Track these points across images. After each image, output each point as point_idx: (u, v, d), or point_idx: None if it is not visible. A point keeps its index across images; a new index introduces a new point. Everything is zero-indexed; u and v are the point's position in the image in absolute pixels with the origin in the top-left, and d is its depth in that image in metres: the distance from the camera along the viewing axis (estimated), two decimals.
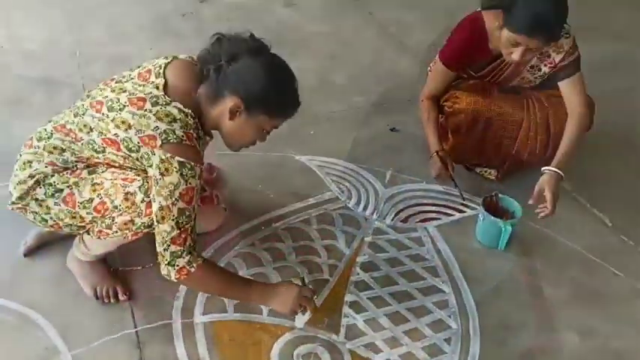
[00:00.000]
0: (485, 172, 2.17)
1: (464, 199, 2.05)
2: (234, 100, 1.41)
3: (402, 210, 2.01)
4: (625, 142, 2.42)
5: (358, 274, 1.77)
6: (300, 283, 1.55)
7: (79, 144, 1.47)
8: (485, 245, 1.89)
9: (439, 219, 1.99)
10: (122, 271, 1.71)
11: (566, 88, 1.96)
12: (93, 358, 1.49)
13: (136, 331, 1.56)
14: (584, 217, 1.95)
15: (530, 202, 1.84)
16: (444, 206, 2.04)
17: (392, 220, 1.97)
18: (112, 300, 1.62)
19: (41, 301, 1.61)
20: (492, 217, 1.83)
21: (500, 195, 1.92)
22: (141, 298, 1.65)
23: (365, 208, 2.01)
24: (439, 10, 3.29)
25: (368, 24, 3.25)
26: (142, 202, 1.42)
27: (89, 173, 1.49)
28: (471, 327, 1.64)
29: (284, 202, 2.00)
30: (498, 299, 1.73)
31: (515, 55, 1.83)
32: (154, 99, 1.38)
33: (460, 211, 2.02)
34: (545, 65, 1.96)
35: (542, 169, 1.87)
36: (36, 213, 1.53)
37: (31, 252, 1.74)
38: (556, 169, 1.84)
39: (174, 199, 1.36)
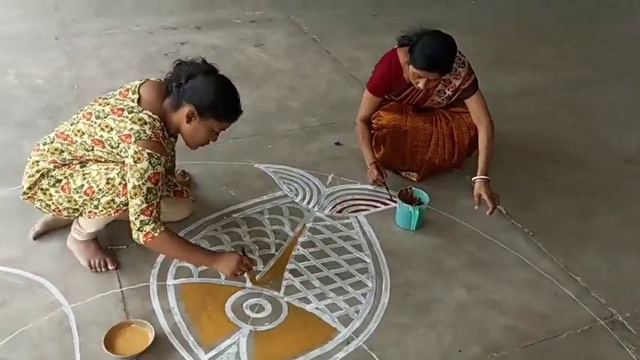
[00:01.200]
0: (409, 174, 2.66)
1: (392, 198, 2.52)
2: (189, 107, 1.90)
3: (338, 203, 2.49)
4: (525, 153, 2.93)
5: (299, 249, 2.23)
6: (241, 253, 2.00)
7: (74, 145, 1.95)
8: (402, 228, 2.36)
9: (368, 210, 2.47)
10: (111, 249, 2.16)
11: (472, 104, 2.47)
12: (88, 309, 1.93)
13: (121, 291, 2.01)
14: (484, 208, 2.41)
15: (475, 207, 2.30)
16: (373, 201, 2.52)
17: (330, 211, 2.45)
18: (102, 269, 2.06)
19: (47, 271, 2.06)
20: (404, 204, 2.31)
21: (413, 188, 2.42)
22: (125, 267, 2.09)
23: (309, 202, 2.49)
24: (386, 49, 3.85)
25: (325, 60, 3.81)
26: (119, 184, 1.88)
27: (81, 167, 1.96)
28: (383, 285, 2.10)
29: (243, 199, 2.47)
30: (408, 267, 2.19)
31: (421, 84, 2.34)
32: (130, 108, 1.88)
33: (385, 204, 2.50)
34: (449, 89, 2.47)
35: (472, 179, 2.35)
36: (41, 200, 1.99)
37: (38, 236, 2.18)
38: (482, 176, 2.32)
39: (144, 180, 1.82)
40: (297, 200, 2.49)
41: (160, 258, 2.13)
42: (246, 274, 2.01)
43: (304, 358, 1.81)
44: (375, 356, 1.83)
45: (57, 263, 2.10)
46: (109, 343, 1.78)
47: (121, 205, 1.92)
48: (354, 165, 2.72)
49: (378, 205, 2.50)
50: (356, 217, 2.43)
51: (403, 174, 2.68)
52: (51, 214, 2.06)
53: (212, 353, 1.81)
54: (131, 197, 1.84)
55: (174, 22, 4.21)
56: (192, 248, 2.00)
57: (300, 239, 2.28)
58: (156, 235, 1.85)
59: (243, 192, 2.52)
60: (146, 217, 1.84)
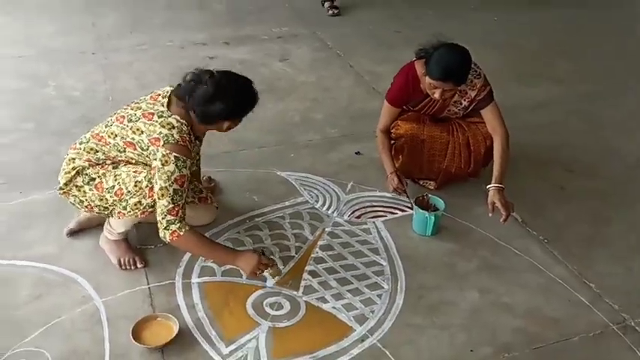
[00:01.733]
0: (427, 183, 2.74)
1: (412, 207, 2.59)
2: (226, 123, 2.06)
3: (357, 209, 2.58)
4: (540, 162, 2.98)
5: (317, 252, 2.32)
6: (260, 252, 2.10)
7: (108, 147, 2.08)
8: (418, 233, 2.43)
9: (385, 216, 2.55)
10: (140, 248, 2.28)
11: (487, 114, 2.54)
12: (117, 303, 2.05)
13: (149, 287, 2.12)
14: (498, 215, 2.46)
15: (489, 215, 2.36)
16: (391, 207, 2.60)
17: (348, 216, 2.54)
18: (131, 267, 2.19)
19: (81, 268, 2.19)
20: (420, 210, 2.39)
21: (429, 195, 2.50)
22: (153, 266, 2.21)
23: (328, 208, 2.58)
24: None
25: (347, 74, 3.92)
26: (146, 187, 2.01)
27: (113, 167, 2.09)
28: (398, 287, 2.17)
29: (265, 204, 2.58)
30: (423, 270, 2.26)
31: (437, 94, 2.42)
32: (160, 113, 2.01)
33: (403, 211, 2.58)
34: (465, 100, 2.55)
35: (487, 187, 2.41)
36: (75, 196, 2.13)
37: (72, 234, 2.33)
38: (497, 184, 2.39)
39: (170, 182, 1.94)
40: (317, 206, 2.59)
41: (186, 257, 2.24)
42: (268, 273, 2.10)
43: (320, 353, 1.89)
44: (388, 353, 1.90)
45: (90, 261, 2.23)
46: (136, 334, 1.90)
47: (147, 207, 2.04)
48: (373, 173, 2.81)
49: (396, 211, 2.58)
50: (374, 222, 2.51)
51: (421, 182, 2.75)
52: (83, 209, 2.19)
53: (232, 347, 1.91)
54: (158, 198, 1.96)
55: (204, 38, 4.38)
56: (216, 247, 2.11)
57: (319, 242, 2.37)
58: (181, 233, 1.97)
59: (265, 198, 2.63)
60: (172, 217, 1.96)
